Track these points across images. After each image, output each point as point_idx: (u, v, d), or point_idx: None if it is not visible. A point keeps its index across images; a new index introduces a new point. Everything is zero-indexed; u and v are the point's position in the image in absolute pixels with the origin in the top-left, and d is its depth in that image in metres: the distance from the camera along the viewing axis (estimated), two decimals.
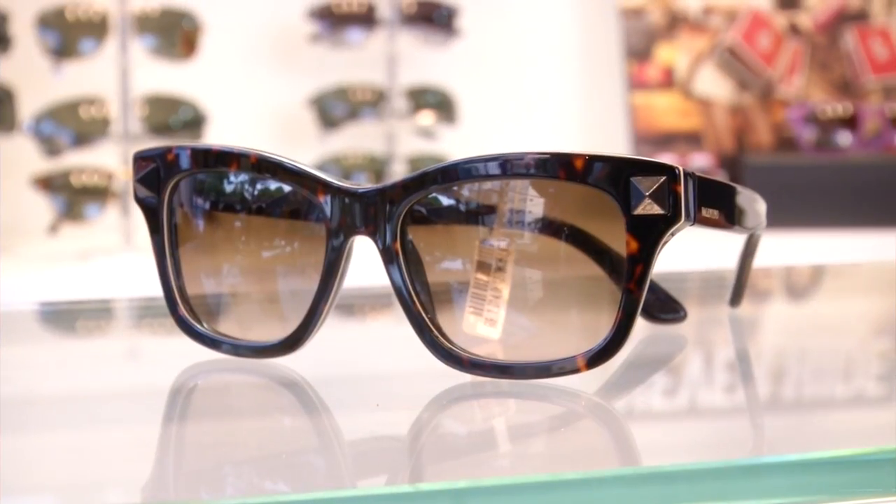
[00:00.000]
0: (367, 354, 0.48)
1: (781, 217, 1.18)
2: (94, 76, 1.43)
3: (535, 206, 0.39)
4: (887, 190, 1.56)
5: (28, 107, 1.41)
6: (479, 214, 0.40)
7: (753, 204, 0.44)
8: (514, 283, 0.40)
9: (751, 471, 0.31)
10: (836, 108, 1.69)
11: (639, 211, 0.37)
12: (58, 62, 1.40)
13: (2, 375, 0.43)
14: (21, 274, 1.29)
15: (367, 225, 0.39)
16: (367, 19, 1.54)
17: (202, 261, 0.44)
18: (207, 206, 0.43)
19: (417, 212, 0.39)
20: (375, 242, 0.39)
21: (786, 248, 1.35)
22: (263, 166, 0.41)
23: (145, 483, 0.32)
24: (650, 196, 0.36)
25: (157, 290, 0.44)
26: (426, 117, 1.57)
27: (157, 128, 1.43)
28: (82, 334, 0.57)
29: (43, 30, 1.39)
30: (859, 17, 1.77)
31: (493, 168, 0.38)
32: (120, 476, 0.32)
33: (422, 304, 0.39)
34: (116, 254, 1.38)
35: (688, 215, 0.37)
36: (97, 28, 1.40)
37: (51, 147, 1.40)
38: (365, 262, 0.42)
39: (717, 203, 0.39)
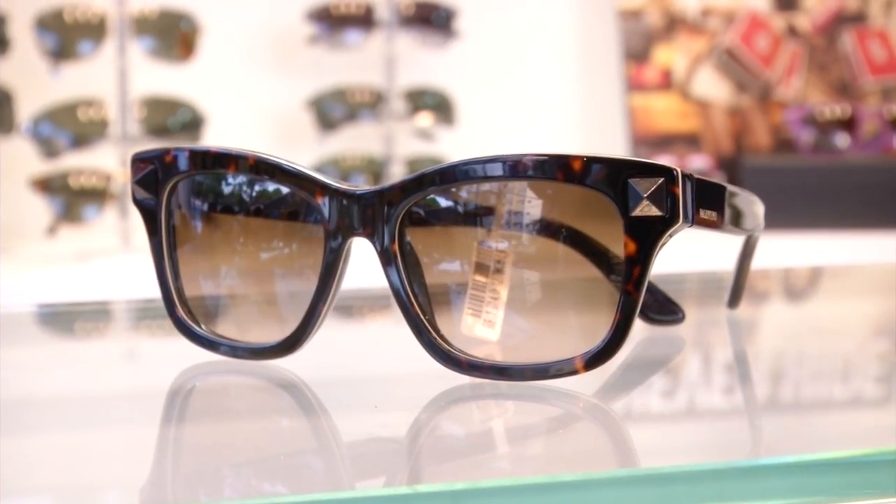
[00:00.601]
0: (365, 356, 0.48)
1: (779, 219, 1.18)
2: (93, 78, 1.43)
3: (534, 207, 0.39)
4: (885, 192, 1.56)
5: (26, 108, 1.41)
6: (477, 216, 0.40)
7: (751, 205, 0.44)
8: (513, 284, 0.40)
9: (749, 472, 0.31)
10: (835, 109, 1.69)
11: (637, 212, 0.37)
12: (56, 64, 1.40)
13: (0, 377, 0.43)
14: (19, 275, 1.29)
15: (366, 226, 0.39)
16: (365, 21, 1.54)
17: (200, 262, 0.44)
18: (206, 207, 0.43)
19: (416, 213, 0.39)
20: (373, 244, 0.39)
21: (784, 250, 1.35)
22: (261, 168, 0.41)
23: (144, 485, 0.32)
24: (648, 198, 0.36)
25: (155, 292, 0.44)
26: (424, 119, 1.57)
27: (156, 129, 1.43)
28: (81, 336, 0.56)
29: (41, 31, 1.39)
30: (857, 18, 1.77)
31: (492, 170, 0.38)
32: (118, 478, 0.32)
33: (420, 306, 0.39)
34: (115, 255, 1.38)
35: (686, 217, 0.37)
36: (95, 30, 1.40)
37: (49, 149, 1.39)
38: (363, 264, 0.42)
39: (714, 205, 0.39)
